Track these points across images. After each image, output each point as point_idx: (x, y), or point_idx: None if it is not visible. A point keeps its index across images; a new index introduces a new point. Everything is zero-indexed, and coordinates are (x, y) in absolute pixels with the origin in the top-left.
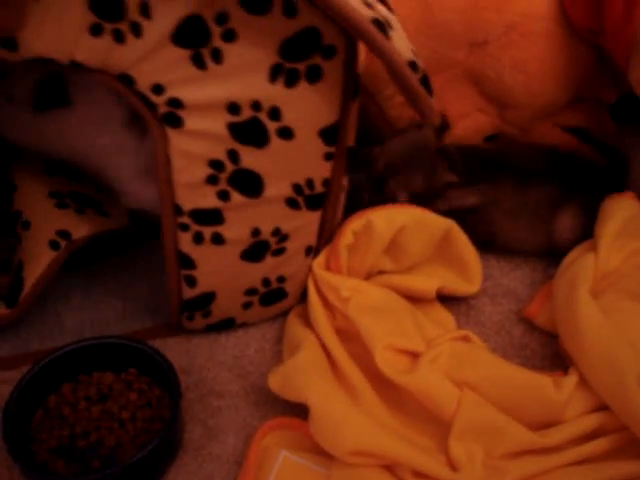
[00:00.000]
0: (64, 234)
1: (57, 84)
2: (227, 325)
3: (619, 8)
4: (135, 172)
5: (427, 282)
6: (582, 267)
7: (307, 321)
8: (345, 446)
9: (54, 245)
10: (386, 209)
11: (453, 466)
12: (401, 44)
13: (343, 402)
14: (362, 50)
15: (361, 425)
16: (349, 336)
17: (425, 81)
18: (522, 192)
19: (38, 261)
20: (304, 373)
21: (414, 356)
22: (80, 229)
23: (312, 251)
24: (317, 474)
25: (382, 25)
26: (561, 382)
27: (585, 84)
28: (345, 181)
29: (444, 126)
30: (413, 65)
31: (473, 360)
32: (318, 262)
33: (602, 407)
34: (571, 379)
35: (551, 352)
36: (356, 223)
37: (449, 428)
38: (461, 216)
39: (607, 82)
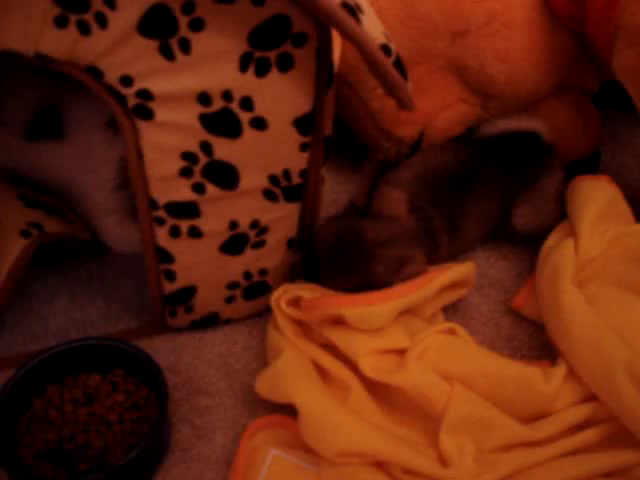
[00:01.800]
0: (35, 225)
1: (53, 115)
2: (211, 321)
3: None
4: (112, 211)
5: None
6: (563, 256)
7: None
8: (334, 447)
9: (25, 233)
10: (360, 306)
11: (443, 461)
12: (373, 28)
13: (330, 402)
14: (340, 41)
15: (349, 425)
16: (330, 345)
17: (399, 64)
18: (489, 200)
19: (10, 249)
20: (289, 375)
21: (400, 353)
22: (51, 224)
23: (293, 243)
24: (307, 472)
25: (352, 9)
26: (550, 373)
27: (568, 72)
28: (323, 171)
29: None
30: (386, 48)
31: (460, 354)
32: (277, 296)
33: (591, 397)
34: (560, 370)
35: (539, 342)
36: (328, 311)
37: (439, 423)
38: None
39: (590, 70)
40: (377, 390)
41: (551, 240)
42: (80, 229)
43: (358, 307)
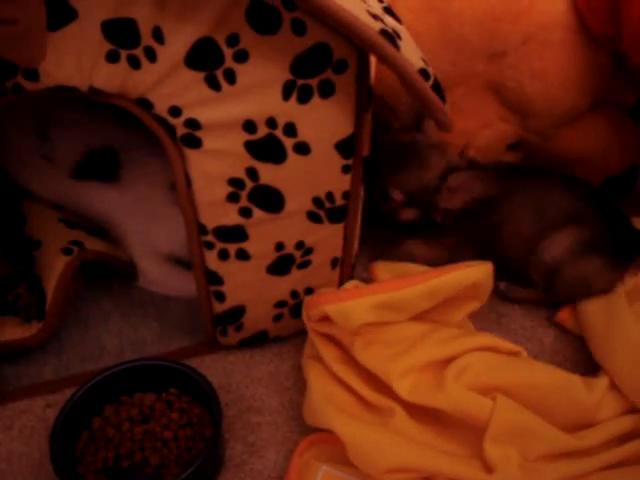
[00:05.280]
0: (76, 243)
1: (110, 159)
2: (261, 339)
3: (636, 14)
4: (148, 252)
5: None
6: None
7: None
8: (379, 466)
9: (67, 251)
10: (338, 302)
11: (489, 469)
12: (411, 53)
13: (370, 425)
14: (375, 62)
15: (391, 444)
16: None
17: (437, 87)
18: None
19: (54, 267)
20: (320, 405)
21: (437, 367)
22: (92, 242)
23: (338, 262)
24: None
25: (391, 36)
26: (592, 383)
27: (605, 89)
28: (362, 190)
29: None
30: (424, 73)
31: (500, 367)
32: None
33: (635, 409)
34: (602, 381)
35: (584, 357)
36: (316, 311)
37: (483, 434)
38: None
39: (626, 86)
40: (417, 408)
41: None
42: (121, 251)
43: (336, 303)
